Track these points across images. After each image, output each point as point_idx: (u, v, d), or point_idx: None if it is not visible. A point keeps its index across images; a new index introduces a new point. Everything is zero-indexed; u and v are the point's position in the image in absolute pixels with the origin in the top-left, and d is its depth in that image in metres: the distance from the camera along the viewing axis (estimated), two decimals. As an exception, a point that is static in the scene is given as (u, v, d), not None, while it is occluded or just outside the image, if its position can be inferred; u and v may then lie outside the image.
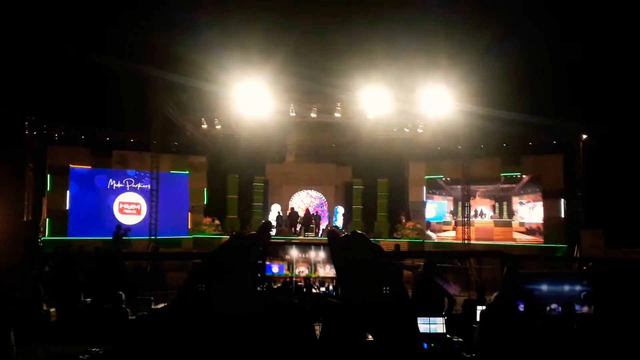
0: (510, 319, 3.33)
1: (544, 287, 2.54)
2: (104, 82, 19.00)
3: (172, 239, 19.07)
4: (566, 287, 2.50)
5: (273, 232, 17.70)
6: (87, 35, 17.91)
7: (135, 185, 20.20)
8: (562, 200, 18.85)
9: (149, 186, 18.54)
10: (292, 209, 21.52)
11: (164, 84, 16.81)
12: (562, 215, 18.84)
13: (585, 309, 2.64)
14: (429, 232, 21.06)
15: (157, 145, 18.12)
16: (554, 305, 2.70)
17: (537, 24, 17.86)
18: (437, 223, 21.14)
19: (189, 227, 20.59)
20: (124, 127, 19.78)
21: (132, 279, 12.22)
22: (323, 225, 21.56)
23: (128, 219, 19.52)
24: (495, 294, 4.11)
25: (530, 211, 19.47)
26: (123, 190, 20.06)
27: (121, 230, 16.05)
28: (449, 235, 20.56)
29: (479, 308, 5.28)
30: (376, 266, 2.38)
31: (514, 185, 19.86)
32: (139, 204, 20.18)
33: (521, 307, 3.06)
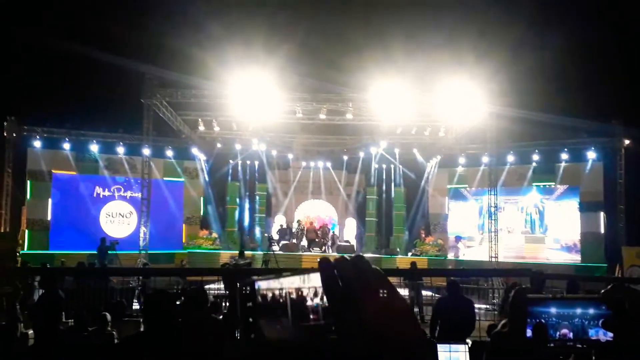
0: (519, 348, 3.39)
1: (554, 311, 2.57)
2: (92, 80, 19.26)
3: (164, 253, 19.24)
4: (579, 311, 2.53)
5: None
6: (74, 29, 18.23)
7: (125, 194, 20.40)
8: (602, 213, 18.77)
9: (139, 194, 18.73)
10: (312, 223, 21.61)
11: (157, 81, 17.02)
12: (602, 230, 18.76)
13: (601, 335, 2.68)
14: (459, 246, 20.96)
15: (149, 149, 18.33)
16: (565, 331, 2.73)
17: (574, 14, 17.87)
18: (461, 239, 21.13)
19: (184, 240, 20.76)
20: (114, 130, 20.00)
21: (120, 298, 12.38)
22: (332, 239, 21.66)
23: (116, 231, 19.69)
24: (502, 322, 4.17)
25: (565, 226, 19.40)
26: (111, 198, 20.25)
27: (106, 243, 16.23)
28: (475, 253, 20.52)
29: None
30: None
31: (547, 196, 19.81)
32: (128, 214, 20.39)
33: (529, 334, 3.11)
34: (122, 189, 20.39)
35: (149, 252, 17.80)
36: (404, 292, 14.99)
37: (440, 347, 4.84)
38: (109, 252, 16.08)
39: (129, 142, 19.76)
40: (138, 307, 12.29)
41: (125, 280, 14.70)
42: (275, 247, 19.56)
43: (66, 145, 19.39)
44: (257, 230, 21.80)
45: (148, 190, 18.21)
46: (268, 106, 17.21)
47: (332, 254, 19.44)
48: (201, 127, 19.62)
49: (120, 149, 19.91)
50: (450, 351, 4.92)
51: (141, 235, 17.99)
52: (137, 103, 17.78)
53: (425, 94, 16.85)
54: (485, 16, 16.90)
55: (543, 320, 3.77)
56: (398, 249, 20.72)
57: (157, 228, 18.58)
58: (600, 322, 3.50)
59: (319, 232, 20.93)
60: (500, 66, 16.01)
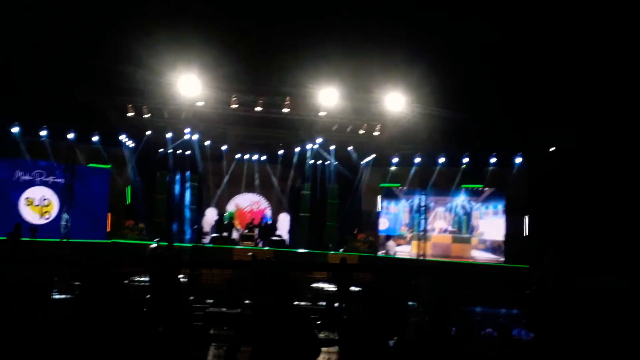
0: (442, 343, 3.40)
1: (479, 310, 2.60)
2: (12, 60, 18.16)
3: (87, 242, 18.48)
4: (502, 311, 2.57)
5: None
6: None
7: (47, 179, 19.47)
8: (526, 217, 19.51)
9: (62, 180, 17.99)
10: (244, 217, 21.24)
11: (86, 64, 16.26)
12: (525, 233, 19.49)
13: (523, 334, 2.72)
14: (389, 243, 21.25)
15: (74, 133, 17.60)
16: (489, 330, 2.76)
17: (511, 21, 18.35)
18: (391, 236, 21.43)
19: (108, 230, 20.01)
20: (37, 113, 18.98)
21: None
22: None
23: (35, 217, 18.80)
24: (427, 319, 4.19)
25: (491, 227, 20.05)
26: (32, 183, 19.30)
27: (19, 229, 15.34)
28: (404, 250, 20.89)
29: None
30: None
31: (475, 198, 20.41)
32: (49, 200, 19.44)
33: (454, 330, 3.13)
34: (45, 174, 19.42)
35: (70, 240, 17.10)
36: (332, 286, 15.05)
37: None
38: (29, 238, 15.28)
39: (53, 125, 18.81)
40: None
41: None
42: (205, 240, 19.23)
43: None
44: (187, 222, 21.31)
45: (71, 176, 17.50)
46: (202, 95, 16.82)
47: (264, 248, 19.31)
48: (130, 113, 18.90)
49: (43, 132, 18.90)
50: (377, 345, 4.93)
51: (62, 222, 17.28)
52: (62, 86, 16.95)
53: (361, 92, 16.95)
54: (421, 17, 17.14)
55: (469, 319, 3.81)
56: (330, 245, 20.81)
57: (79, 216, 17.85)
58: (523, 322, 3.58)
59: (250, 225, 20.69)
60: (435, 69, 16.28)
